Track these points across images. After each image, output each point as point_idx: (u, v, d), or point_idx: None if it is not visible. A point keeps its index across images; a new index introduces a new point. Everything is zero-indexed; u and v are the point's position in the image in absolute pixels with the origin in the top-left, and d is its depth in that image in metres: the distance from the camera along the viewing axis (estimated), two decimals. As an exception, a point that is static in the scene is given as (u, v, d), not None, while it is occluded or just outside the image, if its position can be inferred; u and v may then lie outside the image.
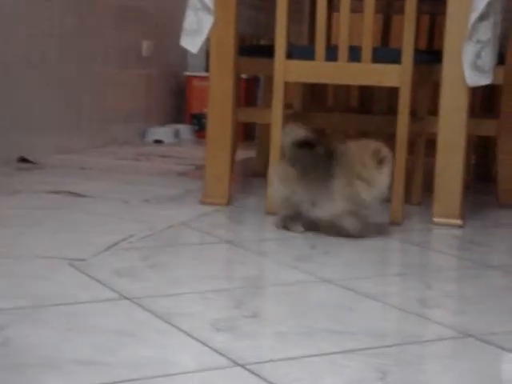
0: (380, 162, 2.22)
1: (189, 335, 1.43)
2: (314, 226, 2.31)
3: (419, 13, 3.20)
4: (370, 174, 2.21)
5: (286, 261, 2.01)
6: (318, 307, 1.65)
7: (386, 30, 3.25)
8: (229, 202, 2.66)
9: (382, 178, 2.22)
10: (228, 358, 1.32)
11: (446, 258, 2.16)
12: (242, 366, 1.29)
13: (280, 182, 2.30)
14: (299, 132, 2.28)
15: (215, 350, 1.35)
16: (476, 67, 2.32)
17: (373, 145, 2.24)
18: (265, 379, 1.25)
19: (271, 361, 1.33)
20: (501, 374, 1.34)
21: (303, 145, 2.26)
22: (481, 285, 1.89)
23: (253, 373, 1.27)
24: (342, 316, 1.60)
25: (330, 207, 2.24)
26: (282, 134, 2.38)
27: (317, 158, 2.26)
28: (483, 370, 1.34)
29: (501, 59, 2.69)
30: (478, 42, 2.29)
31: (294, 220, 2.31)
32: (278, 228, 2.33)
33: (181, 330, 1.45)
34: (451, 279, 1.96)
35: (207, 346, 1.38)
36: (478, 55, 2.30)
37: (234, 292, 1.72)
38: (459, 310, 1.72)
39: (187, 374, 1.26)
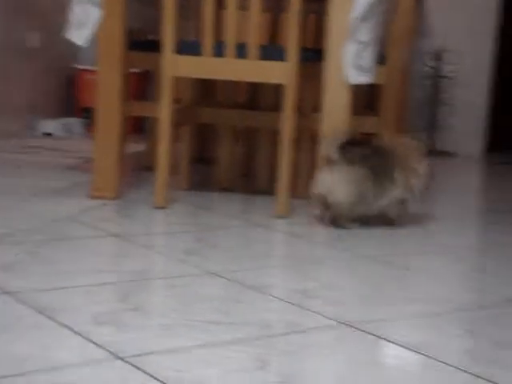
0: (420, 155, 2.55)
1: (70, 329, 1.43)
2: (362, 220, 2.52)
3: (306, 12, 3.29)
4: (418, 166, 2.54)
5: (173, 254, 2.04)
6: (203, 300, 1.68)
7: (274, 29, 3.31)
8: (117, 196, 2.66)
9: (425, 169, 2.55)
10: (109, 351, 1.33)
11: (328, 249, 2.23)
12: (123, 358, 1.31)
13: (348, 183, 2.41)
14: (341, 136, 2.45)
15: (96, 344, 1.36)
16: (357, 66, 2.41)
17: (412, 141, 2.58)
18: (145, 371, 1.27)
19: (153, 353, 1.35)
20: (376, 361, 1.41)
21: (354, 143, 2.44)
22: (359, 274, 1.97)
23: (133, 365, 1.29)
24: (227, 308, 1.63)
25: (391, 197, 2.50)
26: (326, 144, 2.46)
27: (372, 155, 2.46)
28: (359, 357, 1.41)
29: (382, 59, 2.80)
30: (360, 42, 2.38)
31: (349, 217, 2.48)
32: (328, 226, 2.48)
33: (62, 324, 1.45)
34: (332, 270, 2.03)
35: (88, 339, 1.38)
36: (359, 55, 2.39)
37: (119, 285, 1.73)
38: (338, 299, 1.78)
39: (68, 368, 1.27)
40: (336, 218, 2.47)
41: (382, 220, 2.54)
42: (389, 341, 1.49)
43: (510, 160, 4.44)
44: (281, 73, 2.45)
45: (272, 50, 2.53)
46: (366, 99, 3.44)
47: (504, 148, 4.74)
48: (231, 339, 1.44)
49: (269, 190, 2.90)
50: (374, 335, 1.52)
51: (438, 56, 4.55)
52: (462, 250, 2.31)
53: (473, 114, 4.68)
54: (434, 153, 4.56)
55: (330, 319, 1.60)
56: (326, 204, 2.46)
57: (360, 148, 2.44)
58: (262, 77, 2.48)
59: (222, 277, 1.86)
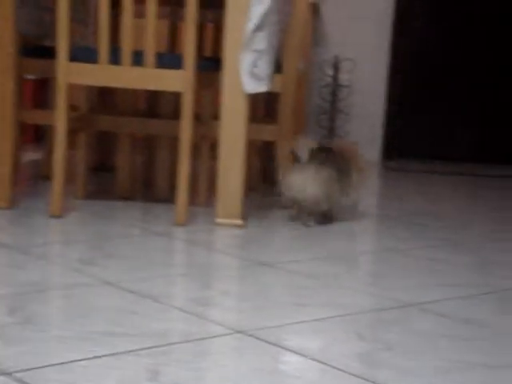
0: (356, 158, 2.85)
1: (-43, 345, 1.38)
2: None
3: (204, 21, 3.30)
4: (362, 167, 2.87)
5: (68, 264, 2.00)
6: (98, 310, 1.66)
7: (172, 36, 3.31)
8: (12, 205, 2.59)
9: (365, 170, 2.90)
10: (-4, 366, 1.30)
11: (226, 257, 2.24)
12: (9, 373, 1.28)
13: (317, 182, 2.66)
14: (311, 142, 2.72)
15: (-16, 359, 1.32)
16: (253, 75, 2.43)
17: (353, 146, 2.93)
18: (34, 385, 1.24)
19: (44, 367, 1.32)
20: (272, 368, 1.42)
21: (323, 149, 2.74)
22: (256, 282, 1.98)
23: (19, 380, 1.26)
24: (122, 318, 1.62)
25: (352, 196, 2.81)
26: (297, 146, 2.69)
27: (333, 158, 2.74)
28: (255, 365, 1.42)
29: (278, 68, 2.84)
30: (255, 51, 2.40)
31: (308, 215, 2.74)
32: (295, 222, 2.75)
33: (-51, 339, 1.40)
34: (230, 278, 2.04)
35: (-25, 354, 1.34)
36: (254, 64, 2.42)
37: (10, 298, 1.69)
38: (235, 307, 1.79)
39: (-47, 385, 1.22)
40: (308, 215, 2.73)
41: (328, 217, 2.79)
42: (284, 348, 1.51)
43: (404, 167, 4.57)
44: (178, 81, 2.45)
45: (169, 58, 2.52)
46: (266, 107, 3.48)
47: (399, 155, 4.87)
48: (123, 350, 1.43)
49: (169, 198, 2.89)
50: (269, 343, 1.53)
51: (335, 65, 4.65)
52: (358, 255, 2.36)
53: (370, 122, 4.80)
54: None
55: (227, 328, 1.61)
56: (297, 203, 2.71)
57: (326, 152, 2.73)
58: (159, 85, 2.47)
59: (118, 287, 1.84)
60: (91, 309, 1.67)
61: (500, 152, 4.88)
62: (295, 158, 2.68)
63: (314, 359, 1.46)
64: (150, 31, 2.41)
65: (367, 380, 1.37)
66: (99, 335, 1.50)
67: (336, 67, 4.65)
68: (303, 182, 2.65)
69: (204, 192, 2.90)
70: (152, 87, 2.49)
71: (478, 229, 2.89)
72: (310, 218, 2.72)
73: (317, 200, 2.67)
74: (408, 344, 1.58)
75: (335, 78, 4.66)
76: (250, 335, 1.57)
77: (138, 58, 2.45)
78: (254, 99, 3.22)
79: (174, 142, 2.88)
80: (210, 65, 2.71)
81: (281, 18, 2.71)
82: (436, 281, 2.11)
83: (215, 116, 2.87)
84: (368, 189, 3.88)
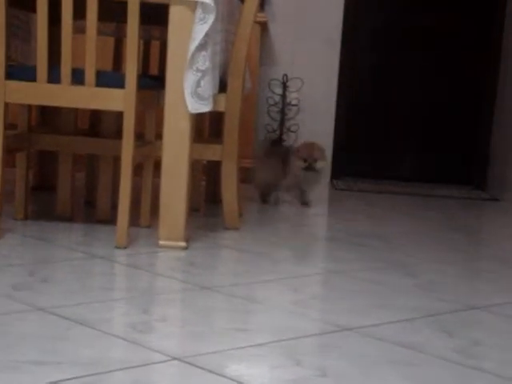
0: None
1: None
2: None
3: (149, 38, 3.27)
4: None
5: (0, 290, 1.93)
6: (28, 338, 1.60)
7: (117, 54, 3.27)
8: None
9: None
10: None
11: (167, 280, 2.20)
12: None
13: (265, 170, 3.71)
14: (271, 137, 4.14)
15: None
16: (196, 95, 2.40)
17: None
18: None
19: (-36, 400, 1.27)
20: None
21: (275, 143, 4.01)
22: (197, 307, 1.94)
23: None
24: (52, 346, 1.56)
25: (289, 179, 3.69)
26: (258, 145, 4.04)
27: (282, 151, 3.78)
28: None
29: (223, 87, 2.81)
30: (198, 70, 2.37)
31: (270, 196, 3.76)
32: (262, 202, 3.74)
33: None
34: (170, 302, 2.00)
35: None
36: (198, 83, 2.39)
37: None
38: (174, 333, 1.75)
39: None
40: (261, 195, 3.75)
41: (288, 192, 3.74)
42: (222, 375, 1.48)
43: (352, 186, 4.58)
44: (119, 100, 2.41)
45: (110, 77, 2.48)
46: (212, 127, 3.45)
47: (347, 175, 4.89)
48: (56, 380, 1.38)
49: (111, 220, 2.83)
50: (207, 370, 1.50)
51: (284, 83, 4.64)
52: (300, 278, 2.33)
53: (318, 141, 4.80)
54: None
55: (164, 354, 1.57)
56: (259, 187, 3.76)
57: (278, 146, 3.90)
58: (100, 104, 2.42)
59: (52, 313, 1.78)
60: (21, 337, 1.61)
61: (443, 173, 4.94)
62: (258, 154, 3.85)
63: (250, 387, 1.43)
64: (90, 49, 2.37)
65: (302, 409, 1.35)
66: (28, 364, 1.44)
67: (285, 86, 4.65)
68: (257, 171, 3.75)
69: (147, 213, 2.86)
70: (92, 106, 2.44)
71: (422, 250, 2.89)
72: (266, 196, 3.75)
73: (264, 183, 3.72)
74: (344, 369, 1.55)
75: (284, 96, 4.66)
76: (188, 362, 1.53)
77: (78, 77, 2.40)
78: (200, 118, 3.19)
79: (116, 161, 2.83)
80: (154, 83, 2.68)
81: (224, 37, 2.69)
82: (377, 304, 2.10)
83: (160, 135, 2.83)
84: (315, 209, 3.88)
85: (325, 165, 3.74)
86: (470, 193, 4.63)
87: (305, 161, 3.63)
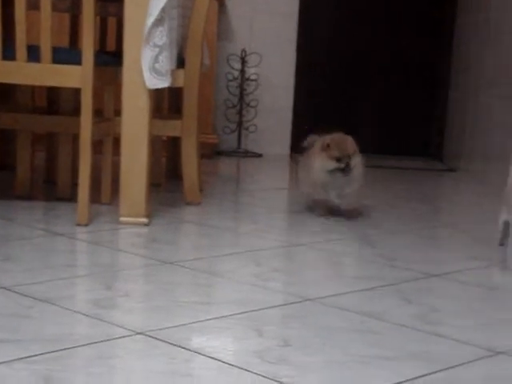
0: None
1: None
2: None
3: (105, 14, 3.23)
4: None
5: (-39, 269, 1.92)
6: (-10, 317, 1.60)
7: (73, 30, 3.23)
8: None
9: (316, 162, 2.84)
10: None
11: (129, 256, 2.20)
12: None
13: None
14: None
15: None
16: (154, 70, 2.39)
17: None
18: None
19: None
20: (170, 369, 1.40)
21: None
22: (159, 282, 1.95)
23: None
24: (15, 324, 1.56)
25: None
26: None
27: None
28: (153, 366, 1.39)
29: (181, 63, 2.80)
30: (155, 46, 2.36)
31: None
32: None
33: None
34: (132, 278, 2.00)
35: None
36: (155, 59, 2.38)
37: None
38: (137, 308, 1.76)
39: None
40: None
41: None
42: (185, 348, 1.49)
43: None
44: (76, 77, 2.39)
45: (67, 53, 2.45)
46: (171, 103, 3.44)
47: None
48: (18, 357, 1.38)
49: (71, 197, 2.82)
50: (170, 343, 1.51)
51: (242, 59, 4.64)
52: (264, 251, 2.35)
53: (278, 116, 4.81)
54: (242, 153, 4.65)
55: (127, 329, 1.57)
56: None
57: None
58: (57, 81, 2.40)
59: (13, 291, 1.77)
60: (-17, 315, 1.60)
61: (401, 145, 4.99)
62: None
63: (214, 358, 1.44)
64: (45, 25, 2.34)
65: (266, 377, 1.37)
66: (-9, 343, 1.44)
67: (243, 61, 4.64)
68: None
69: (108, 190, 2.85)
70: (49, 83, 2.41)
71: (382, 221, 2.93)
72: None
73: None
74: (308, 339, 1.58)
75: (243, 71, 4.65)
76: (151, 336, 1.54)
77: (33, 54, 2.37)
78: (159, 94, 3.18)
79: (75, 139, 2.81)
80: (111, 59, 2.66)
81: (182, 13, 2.67)
82: (338, 274, 2.13)
83: (118, 112, 2.81)
84: (278, 183, 3.90)
85: (360, 161, 2.85)
86: (427, 164, 4.69)
87: (338, 160, 2.75)
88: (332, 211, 2.82)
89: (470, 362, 1.50)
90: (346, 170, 2.74)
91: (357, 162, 2.79)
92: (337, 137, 2.81)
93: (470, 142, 4.34)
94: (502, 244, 2.49)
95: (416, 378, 1.40)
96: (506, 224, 2.42)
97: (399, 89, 4.97)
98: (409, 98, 4.97)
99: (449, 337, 1.63)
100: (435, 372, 1.43)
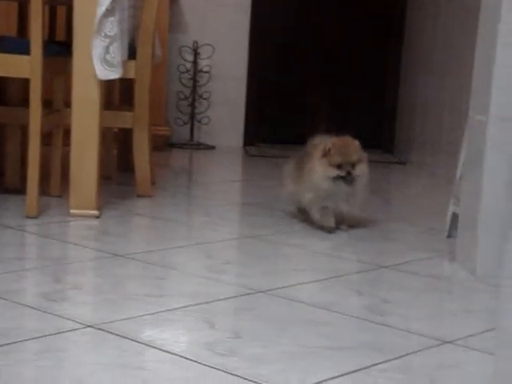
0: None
1: None
2: None
3: (54, 3, 3.18)
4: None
5: None
6: None
7: (21, 19, 3.17)
8: None
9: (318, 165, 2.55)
10: None
11: (80, 249, 2.18)
12: None
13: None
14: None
15: None
16: (105, 61, 2.37)
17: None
18: None
19: None
20: (119, 361, 1.39)
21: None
22: (110, 275, 1.94)
23: None
24: (-39, 318, 1.54)
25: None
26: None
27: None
28: (102, 359, 1.38)
29: (133, 54, 2.78)
30: (106, 36, 2.34)
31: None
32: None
33: None
34: (82, 271, 1.98)
35: None
36: (106, 50, 2.35)
37: None
38: (86, 301, 1.74)
39: None
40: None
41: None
42: (135, 340, 1.48)
43: (265, 152, 4.62)
44: (24, 66, 2.34)
45: (15, 42, 2.41)
46: (123, 94, 3.40)
47: (260, 141, 4.92)
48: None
49: (20, 189, 2.77)
50: (120, 336, 1.50)
51: (195, 50, 4.61)
52: (216, 243, 2.35)
53: (231, 108, 4.80)
54: (194, 145, 4.63)
55: (77, 322, 1.56)
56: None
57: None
58: (4, 70, 2.35)
59: (-40, 285, 1.74)
60: None
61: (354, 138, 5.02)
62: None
63: (165, 350, 1.44)
64: (-7, 14, 2.30)
65: (216, 369, 1.37)
66: None
67: (195, 53, 4.62)
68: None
69: (58, 182, 2.81)
70: (-4, 73, 2.37)
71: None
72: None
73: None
74: (259, 331, 1.58)
75: (195, 63, 4.63)
76: (101, 329, 1.53)
77: (-20, 43, 2.33)
78: (110, 86, 3.15)
79: (24, 130, 2.77)
80: (61, 50, 2.62)
81: (133, 3, 2.65)
82: (290, 266, 2.14)
83: (69, 103, 2.78)
84: (231, 175, 3.90)
85: (366, 170, 2.56)
86: (379, 156, 4.74)
87: (338, 167, 2.49)
88: (334, 221, 2.55)
89: (419, 351, 1.52)
90: (347, 178, 2.48)
91: (362, 170, 2.52)
92: (339, 141, 2.52)
93: (420, 136, 4.40)
94: (450, 236, 2.52)
95: (367, 367, 1.42)
96: (454, 216, 2.46)
97: (351, 82, 5.00)
98: (360, 92, 5.01)
99: (399, 327, 1.65)
100: (386, 361, 1.45)
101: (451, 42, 3.98)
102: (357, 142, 2.55)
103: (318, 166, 2.50)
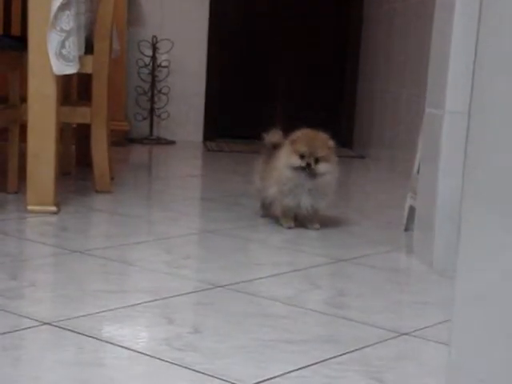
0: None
1: None
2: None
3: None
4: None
5: None
6: None
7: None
8: None
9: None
10: None
11: (37, 246, 2.15)
12: None
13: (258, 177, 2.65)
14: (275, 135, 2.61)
15: None
16: (61, 56, 2.34)
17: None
18: None
19: None
20: (77, 359, 1.38)
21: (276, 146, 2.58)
22: (68, 271, 1.92)
23: None
24: None
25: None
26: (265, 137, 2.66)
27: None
28: (60, 357, 1.37)
29: (90, 48, 2.75)
30: (62, 30, 2.31)
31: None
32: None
33: None
34: (39, 267, 1.96)
35: None
36: (62, 44, 2.33)
37: None
38: (44, 298, 1.73)
39: None
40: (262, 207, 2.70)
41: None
42: (94, 337, 1.47)
43: (224, 147, 4.62)
44: (-21, 62, 2.32)
45: (-31, 37, 2.38)
46: (80, 89, 3.38)
47: (219, 136, 4.92)
48: None
49: (-24, 186, 2.74)
50: (78, 333, 1.49)
51: (153, 45, 4.59)
52: (175, 238, 2.34)
53: (190, 103, 4.79)
54: (154, 140, 4.61)
55: (34, 320, 1.54)
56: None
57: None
58: (-42, 66, 2.32)
59: None
60: None
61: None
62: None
63: (123, 347, 1.43)
64: None
65: (174, 364, 1.37)
66: None
67: (154, 47, 4.60)
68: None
69: (15, 178, 2.78)
70: (-50, 68, 2.34)
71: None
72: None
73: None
74: (218, 325, 1.59)
75: (154, 58, 4.61)
76: (59, 326, 1.52)
77: None
78: (67, 81, 3.12)
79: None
80: (16, 44, 2.59)
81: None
82: (249, 261, 2.14)
83: (25, 98, 2.75)
84: (191, 170, 3.89)
85: (331, 170, 2.51)
86: (338, 151, 4.77)
87: (301, 157, 2.44)
88: (295, 218, 2.54)
89: (377, 343, 1.54)
90: (307, 170, 2.42)
91: (325, 168, 2.46)
92: (310, 133, 2.48)
93: (379, 130, 4.44)
94: (407, 229, 2.56)
95: (325, 360, 1.43)
96: (412, 209, 2.49)
97: (310, 77, 5.02)
98: (319, 87, 5.04)
99: (356, 320, 1.67)
100: (343, 354, 1.46)
101: (408, 37, 4.02)
102: (329, 141, 2.50)
103: (283, 153, 2.48)
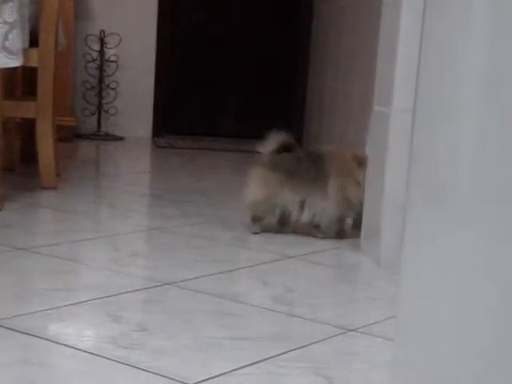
0: (359, 164, 2.36)
1: None
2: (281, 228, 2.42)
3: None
4: (357, 175, 2.36)
5: None
6: None
7: None
8: None
9: (363, 180, 2.30)
10: None
11: (-20, 243, 2.11)
12: None
13: (257, 186, 2.39)
14: (278, 138, 2.44)
15: None
16: (4, 49, 2.30)
17: (350, 149, 2.46)
18: None
19: None
20: (19, 358, 1.36)
21: (281, 150, 2.40)
22: (11, 269, 1.89)
23: None
24: None
25: (322, 207, 2.36)
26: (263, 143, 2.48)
27: (302, 160, 2.39)
28: (2, 356, 1.35)
29: (34, 41, 2.70)
30: (5, 23, 2.27)
31: (258, 221, 2.41)
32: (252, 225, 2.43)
33: None
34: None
35: None
36: (5, 37, 2.28)
37: None
38: (-13, 296, 1.69)
39: None
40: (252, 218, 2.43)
41: (314, 231, 2.41)
42: (36, 336, 1.45)
43: (173, 143, 4.59)
44: None
45: None
46: (27, 83, 3.31)
47: (168, 132, 4.88)
48: None
49: None
50: (20, 332, 1.46)
51: (101, 39, 4.53)
52: (122, 235, 2.32)
53: (139, 98, 4.75)
54: (102, 136, 4.56)
55: (-25, 318, 1.51)
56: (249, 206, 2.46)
57: (290, 153, 2.41)
58: None
59: None
60: None
61: (263, 130, 5.05)
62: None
63: (68, 345, 1.41)
64: None
65: (119, 362, 1.35)
66: None
67: (102, 42, 4.54)
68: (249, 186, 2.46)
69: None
70: None
71: (240, 204, 2.96)
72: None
73: (250, 203, 2.45)
74: (165, 323, 1.57)
75: (102, 52, 4.55)
76: (2, 325, 1.49)
77: None
78: (11, 74, 3.06)
79: None
80: (-41, 37, 2.53)
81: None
82: (197, 258, 2.13)
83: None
84: (139, 167, 3.86)
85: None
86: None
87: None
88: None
89: (324, 339, 1.54)
90: None
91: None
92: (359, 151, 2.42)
93: (329, 127, 4.46)
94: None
95: (272, 357, 1.43)
96: (360, 206, 2.50)
97: (262, 74, 5.03)
98: (270, 84, 5.04)
99: (304, 316, 1.67)
100: (290, 351, 1.47)
101: (357, 36, 4.05)
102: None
103: (362, 178, 2.33)
